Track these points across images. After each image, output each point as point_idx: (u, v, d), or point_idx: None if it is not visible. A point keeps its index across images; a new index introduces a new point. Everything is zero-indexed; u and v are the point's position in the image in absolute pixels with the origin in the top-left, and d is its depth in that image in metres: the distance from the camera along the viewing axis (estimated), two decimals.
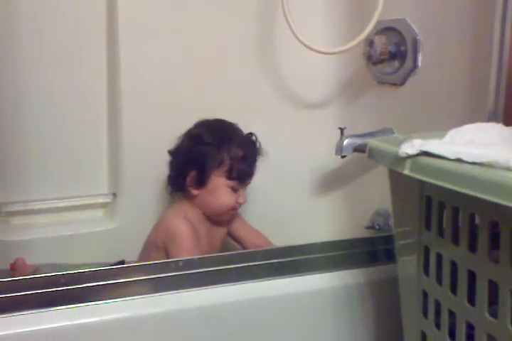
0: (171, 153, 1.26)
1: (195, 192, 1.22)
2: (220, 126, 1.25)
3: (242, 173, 1.22)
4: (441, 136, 0.70)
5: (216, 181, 1.20)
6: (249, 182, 1.26)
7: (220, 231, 1.30)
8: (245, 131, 1.28)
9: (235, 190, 1.22)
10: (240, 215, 1.33)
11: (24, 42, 1.27)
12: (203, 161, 1.19)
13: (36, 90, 1.30)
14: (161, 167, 1.34)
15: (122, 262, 1.27)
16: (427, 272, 0.71)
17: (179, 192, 1.27)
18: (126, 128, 1.33)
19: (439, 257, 0.68)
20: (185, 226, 1.19)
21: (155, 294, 0.84)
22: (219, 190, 1.21)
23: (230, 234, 1.32)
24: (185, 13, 1.33)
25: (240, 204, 1.24)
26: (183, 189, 1.24)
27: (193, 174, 1.21)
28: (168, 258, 1.14)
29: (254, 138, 1.28)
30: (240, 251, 1.16)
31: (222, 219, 1.27)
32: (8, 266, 1.21)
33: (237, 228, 1.32)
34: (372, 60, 1.22)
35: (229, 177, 1.20)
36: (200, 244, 1.20)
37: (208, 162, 1.19)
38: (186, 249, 1.16)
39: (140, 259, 1.25)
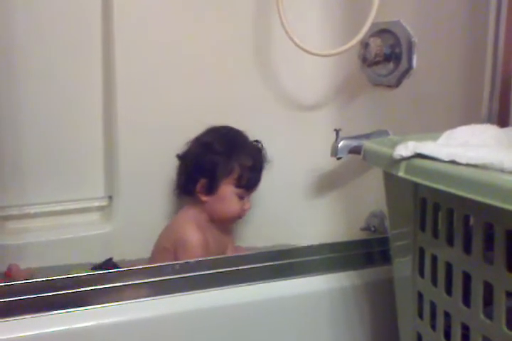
0: (180, 157, 1.29)
1: (204, 198, 1.25)
2: (229, 135, 1.27)
3: (250, 182, 1.25)
4: (436, 138, 0.71)
5: (225, 189, 1.23)
6: (255, 190, 1.29)
7: (227, 239, 1.32)
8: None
9: (241, 197, 1.25)
10: (231, 232, 1.36)
11: (21, 41, 1.26)
12: (214, 170, 1.22)
13: (32, 94, 1.29)
14: (157, 170, 1.35)
15: (110, 260, 1.28)
16: (422, 273, 0.72)
17: (187, 196, 1.29)
18: (122, 131, 1.33)
19: (434, 258, 0.68)
20: (197, 236, 1.21)
21: (152, 298, 0.84)
22: (228, 197, 1.24)
23: None
24: (181, 15, 1.33)
25: (246, 211, 1.27)
26: (192, 194, 1.27)
27: (203, 181, 1.23)
28: None
29: (260, 145, 1.30)
30: (236, 255, 1.17)
31: (227, 225, 1.31)
32: (3, 272, 1.21)
33: None
34: (367, 61, 1.23)
35: (237, 185, 1.23)
36: (209, 252, 1.22)
37: (218, 171, 1.22)
38: (194, 257, 1.16)
39: (151, 262, 1.26)
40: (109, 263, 1.29)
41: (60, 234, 1.33)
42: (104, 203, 1.39)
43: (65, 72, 1.31)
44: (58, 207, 1.35)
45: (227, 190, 1.23)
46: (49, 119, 1.32)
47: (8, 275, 1.21)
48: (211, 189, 1.23)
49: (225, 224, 1.30)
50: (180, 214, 1.29)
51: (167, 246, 1.23)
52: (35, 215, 1.33)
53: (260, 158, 1.29)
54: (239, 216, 1.27)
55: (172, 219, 1.31)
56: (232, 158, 1.23)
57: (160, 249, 1.26)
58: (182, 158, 1.28)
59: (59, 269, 1.23)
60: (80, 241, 1.33)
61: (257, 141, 1.30)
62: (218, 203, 1.24)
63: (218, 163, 1.22)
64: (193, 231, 1.21)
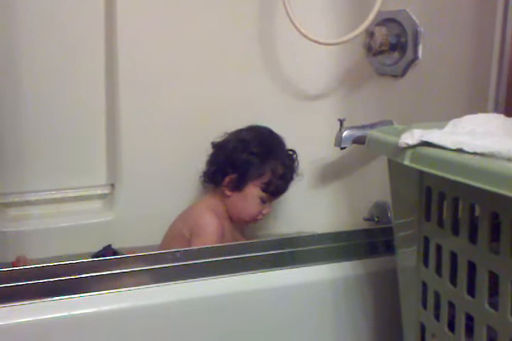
0: (215, 146, 1.29)
1: (228, 193, 1.26)
2: (269, 138, 1.28)
3: (278, 189, 1.27)
4: (442, 127, 0.70)
5: (252, 190, 1.25)
6: (279, 198, 1.30)
7: (240, 237, 1.33)
8: (245, 121, 1.30)
9: (264, 201, 1.26)
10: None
11: (23, 37, 1.26)
12: (246, 169, 1.23)
13: (34, 81, 1.29)
14: (159, 158, 1.34)
15: (109, 246, 1.28)
16: (426, 263, 0.71)
17: (212, 185, 1.30)
18: (124, 119, 1.32)
19: (439, 248, 0.68)
20: (214, 222, 1.22)
21: (152, 285, 0.84)
22: (251, 198, 1.25)
23: None
24: (185, 8, 1.32)
25: (263, 215, 1.28)
26: (217, 185, 1.28)
27: (232, 176, 1.25)
28: None
29: (295, 156, 1.31)
30: (238, 242, 1.16)
31: (242, 224, 1.32)
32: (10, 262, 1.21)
33: None
34: (372, 51, 1.21)
35: (264, 189, 1.25)
36: (224, 241, 1.23)
37: (250, 170, 1.23)
38: (210, 244, 1.17)
39: (162, 248, 1.26)
40: (108, 250, 1.29)
41: (62, 221, 1.33)
42: (106, 191, 1.39)
43: (68, 66, 1.30)
44: (60, 195, 1.35)
45: (253, 191, 1.25)
46: (51, 107, 1.31)
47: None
48: (238, 186, 1.25)
49: (240, 223, 1.31)
50: (200, 203, 1.30)
51: (183, 231, 1.23)
52: (37, 202, 1.33)
53: (292, 168, 1.30)
54: (255, 218, 1.28)
55: (191, 207, 1.31)
56: (267, 163, 1.24)
57: (175, 235, 1.26)
58: (217, 147, 1.29)
59: (58, 259, 1.23)
60: (82, 229, 1.33)
61: (292, 150, 1.31)
62: (240, 201, 1.26)
63: (252, 163, 1.23)
64: (211, 218, 1.22)
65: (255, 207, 1.26)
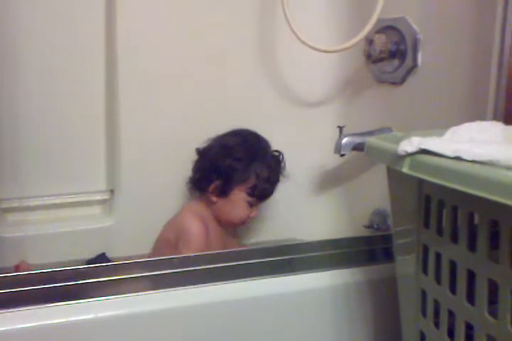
0: (199, 153, 1.29)
1: (214, 199, 1.26)
2: (252, 142, 1.28)
3: (263, 193, 1.26)
4: (441, 134, 0.70)
5: (237, 195, 1.25)
6: (267, 200, 1.30)
7: (231, 241, 1.33)
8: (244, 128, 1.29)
9: (251, 205, 1.26)
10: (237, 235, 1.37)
11: (22, 40, 1.26)
12: (230, 175, 1.23)
13: (34, 86, 1.29)
14: (159, 165, 1.34)
15: (103, 255, 1.29)
16: (425, 271, 0.71)
17: (197, 192, 1.30)
18: (124, 125, 1.32)
19: (438, 256, 0.68)
20: (197, 224, 1.22)
21: (150, 291, 0.84)
22: (237, 203, 1.25)
23: None
24: (185, 12, 1.32)
25: (251, 218, 1.28)
26: (203, 191, 1.28)
27: (217, 183, 1.25)
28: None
29: (281, 157, 1.31)
30: (236, 249, 1.16)
31: (230, 228, 1.32)
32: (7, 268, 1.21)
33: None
34: (372, 58, 1.22)
35: (250, 193, 1.24)
36: (211, 244, 1.23)
37: (234, 176, 1.23)
38: (193, 246, 1.19)
39: (152, 255, 1.27)
40: (102, 258, 1.29)
41: (61, 227, 1.32)
42: (105, 197, 1.39)
43: (68, 68, 1.30)
44: (59, 200, 1.34)
45: (239, 196, 1.25)
46: (51, 112, 1.31)
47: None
48: (223, 192, 1.24)
49: (228, 227, 1.31)
50: (185, 208, 1.31)
51: (170, 237, 1.24)
52: (36, 208, 1.33)
53: (277, 171, 1.30)
54: (243, 222, 1.28)
55: (176, 213, 1.31)
56: (251, 167, 1.24)
57: (162, 241, 1.27)
58: (201, 154, 1.29)
59: (57, 265, 1.23)
60: (81, 235, 1.33)
61: (277, 151, 1.31)
62: (227, 206, 1.26)
63: (236, 169, 1.23)
64: (194, 221, 1.23)
65: (242, 212, 1.26)
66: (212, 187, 1.25)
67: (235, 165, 1.23)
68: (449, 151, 0.60)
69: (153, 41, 1.31)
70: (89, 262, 1.27)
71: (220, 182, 1.24)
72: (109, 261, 1.28)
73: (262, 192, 1.26)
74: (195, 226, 1.22)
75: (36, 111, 1.30)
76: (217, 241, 1.27)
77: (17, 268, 1.21)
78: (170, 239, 1.24)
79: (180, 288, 0.85)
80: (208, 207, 1.27)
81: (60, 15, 1.28)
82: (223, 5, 1.34)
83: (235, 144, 1.26)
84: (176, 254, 1.15)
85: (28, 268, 1.21)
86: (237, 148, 1.25)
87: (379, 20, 1.13)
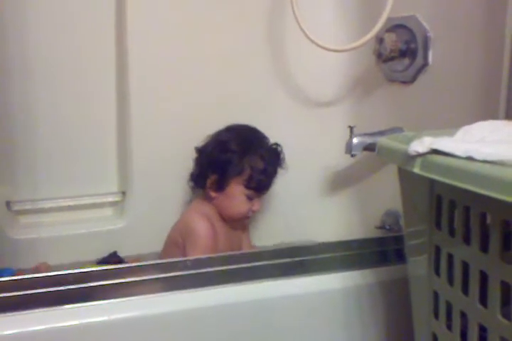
0: (198, 150, 1.30)
1: (213, 194, 1.26)
2: (247, 135, 1.28)
3: (259, 184, 1.25)
4: (452, 134, 0.69)
5: (234, 188, 1.25)
6: (265, 193, 1.30)
7: (240, 237, 1.33)
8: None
9: (250, 198, 1.26)
10: (247, 230, 1.37)
11: (35, 38, 1.27)
12: (225, 168, 1.23)
13: (45, 88, 1.30)
14: (170, 166, 1.34)
15: (115, 253, 1.30)
16: (437, 272, 0.70)
17: (200, 189, 1.31)
18: (135, 127, 1.33)
19: (450, 257, 0.67)
20: (204, 224, 1.23)
21: (163, 293, 0.84)
22: (236, 196, 1.25)
23: None
24: (196, 12, 1.33)
25: (253, 212, 1.28)
26: (203, 188, 1.29)
27: (213, 177, 1.25)
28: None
29: (279, 149, 1.30)
30: (248, 251, 1.16)
31: (235, 222, 1.31)
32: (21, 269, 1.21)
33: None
34: (382, 57, 1.21)
35: (247, 186, 1.24)
36: (218, 244, 1.23)
37: (229, 169, 1.23)
38: (201, 247, 1.19)
39: (161, 257, 1.27)
40: (114, 257, 1.29)
41: (73, 229, 1.33)
42: (117, 198, 1.40)
43: (80, 67, 1.32)
44: (71, 202, 1.35)
45: (236, 190, 1.25)
46: (63, 115, 1.32)
47: None
48: (220, 186, 1.25)
49: (233, 222, 1.31)
50: (190, 207, 1.31)
51: (177, 238, 1.24)
52: (49, 210, 1.34)
53: (275, 162, 1.29)
54: (245, 216, 1.28)
55: (182, 213, 1.32)
56: (245, 159, 1.24)
57: (170, 242, 1.27)
58: (199, 151, 1.30)
59: (70, 266, 1.24)
60: (93, 237, 1.34)
61: (276, 144, 1.30)
62: (226, 201, 1.26)
63: (230, 162, 1.23)
64: (200, 221, 1.23)
65: (242, 205, 1.26)
66: (209, 182, 1.26)
67: (229, 158, 1.24)
68: (460, 151, 0.59)
69: (165, 41, 1.32)
70: (101, 261, 1.28)
71: (216, 176, 1.25)
72: (120, 259, 1.30)
73: (258, 184, 1.25)
74: (201, 225, 1.22)
75: (49, 113, 1.31)
76: (224, 238, 1.26)
77: (37, 270, 1.22)
78: (177, 239, 1.24)
79: (193, 289, 0.85)
80: (211, 205, 1.28)
81: (70, 17, 1.30)
82: (233, 4, 1.35)
83: (229, 139, 1.26)
84: (183, 255, 1.17)
85: (48, 269, 1.22)
86: (231, 142, 1.25)
87: (389, 19, 1.12)
